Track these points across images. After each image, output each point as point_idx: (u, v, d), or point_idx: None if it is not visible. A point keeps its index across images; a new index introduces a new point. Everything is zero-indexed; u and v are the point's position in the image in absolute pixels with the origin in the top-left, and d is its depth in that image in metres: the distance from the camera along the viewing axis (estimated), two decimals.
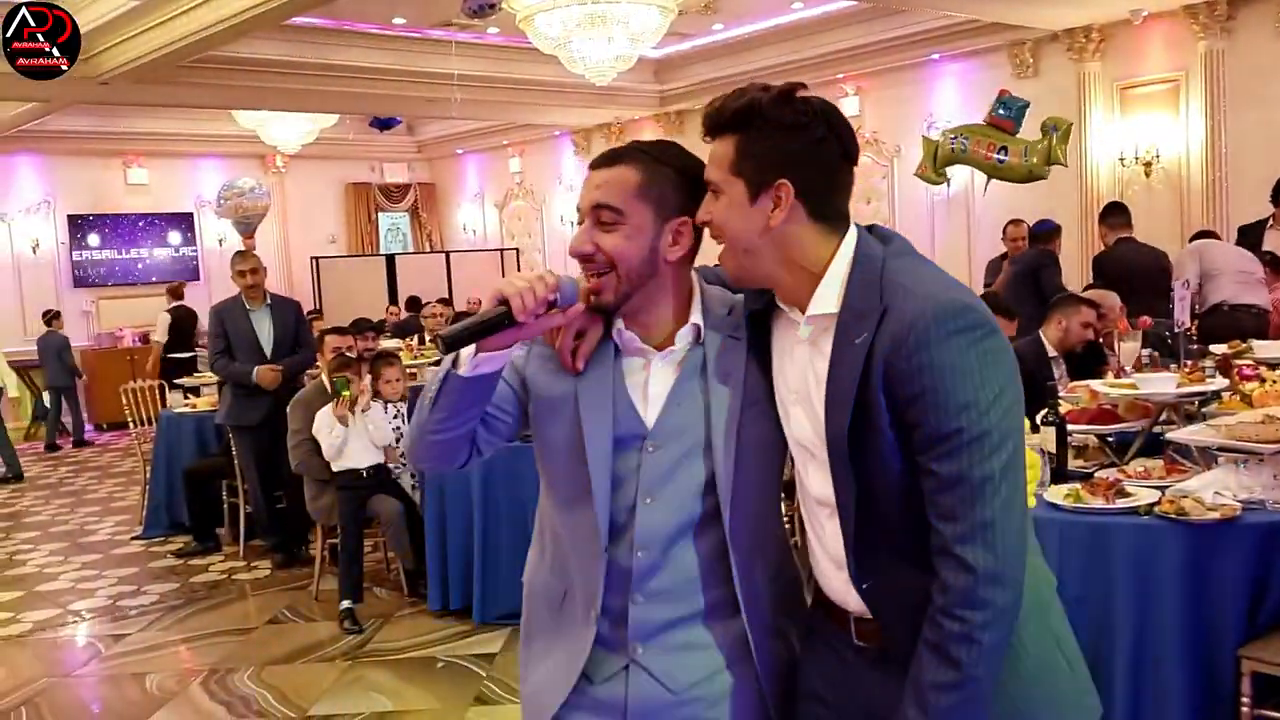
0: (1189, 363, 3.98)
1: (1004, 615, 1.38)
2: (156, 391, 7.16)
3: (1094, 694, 1.59)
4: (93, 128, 12.21)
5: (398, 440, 5.28)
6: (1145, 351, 4.38)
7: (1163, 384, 3.44)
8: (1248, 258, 6.43)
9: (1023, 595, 1.40)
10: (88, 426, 11.77)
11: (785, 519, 1.71)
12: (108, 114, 11.81)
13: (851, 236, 1.50)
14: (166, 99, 10.21)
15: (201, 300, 11.39)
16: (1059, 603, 1.59)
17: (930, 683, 1.39)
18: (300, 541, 6.08)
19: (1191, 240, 7.17)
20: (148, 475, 7.01)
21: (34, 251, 12.77)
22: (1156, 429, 3.53)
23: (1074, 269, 8.08)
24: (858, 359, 1.41)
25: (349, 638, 4.75)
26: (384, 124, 13.74)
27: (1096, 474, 3.13)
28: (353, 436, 4.98)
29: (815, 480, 1.53)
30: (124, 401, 7.12)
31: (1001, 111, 6.37)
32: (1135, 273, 6.26)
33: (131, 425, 7.17)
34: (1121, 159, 8.85)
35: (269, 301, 6.08)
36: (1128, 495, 2.89)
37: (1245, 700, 2.66)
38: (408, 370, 6.73)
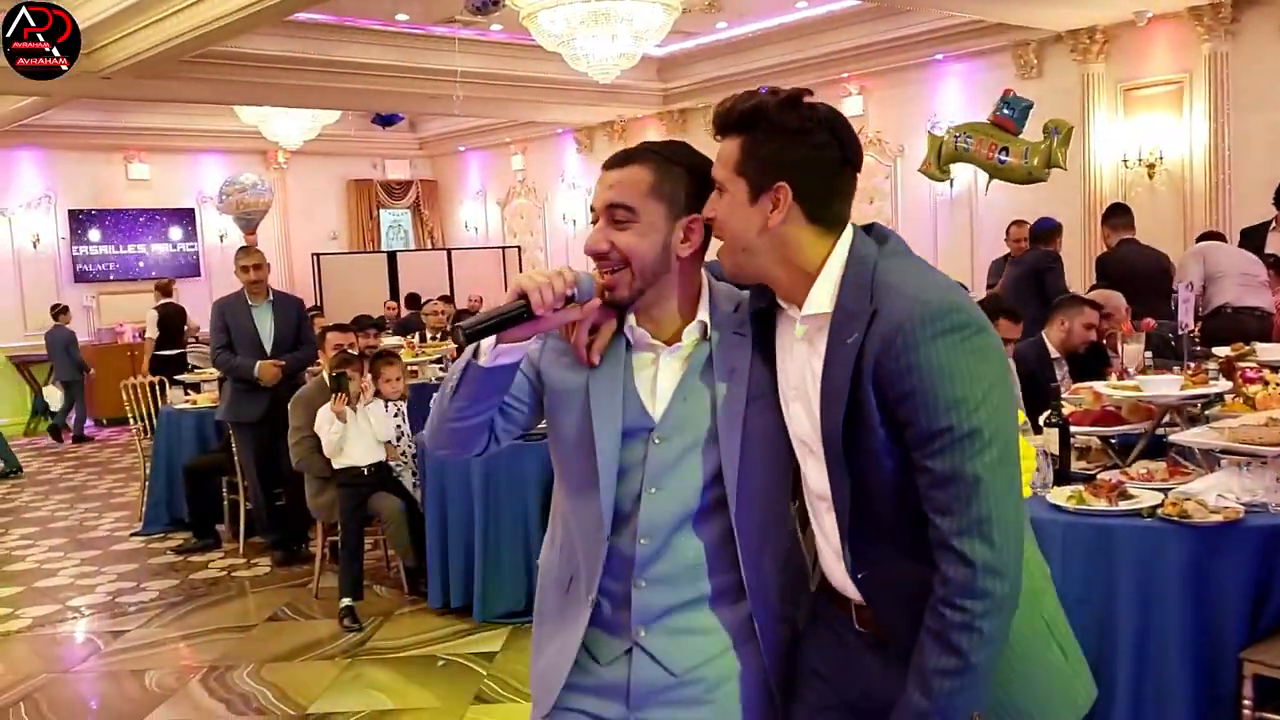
0: (1192, 365, 3.97)
1: (1003, 604, 1.42)
2: (147, 389, 7.15)
3: (1088, 679, 1.64)
4: (94, 122, 12.20)
5: (399, 437, 5.28)
6: (1147, 354, 4.38)
7: (1166, 386, 3.43)
8: (1252, 260, 6.42)
9: (1021, 584, 1.44)
10: (88, 422, 11.76)
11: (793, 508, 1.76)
12: (109, 109, 11.79)
13: (846, 237, 1.54)
14: (168, 94, 10.19)
15: (202, 296, 11.39)
16: (1053, 589, 1.64)
17: (933, 669, 1.43)
18: (300, 539, 6.07)
19: (1197, 241, 7.16)
20: (147, 471, 7.01)
21: (34, 246, 12.77)
22: (1160, 431, 3.52)
23: (1076, 270, 8.07)
24: (849, 358, 1.45)
25: (349, 635, 4.74)
26: (386, 120, 13.73)
27: (1099, 476, 3.12)
28: (353, 433, 4.98)
29: (813, 475, 1.58)
30: (124, 397, 7.11)
31: (1005, 111, 6.37)
32: (1138, 274, 6.25)
33: (131, 421, 7.17)
34: (1125, 160, 8.84)
35: (271, 298, 6.07)
36: (1130, 497, 2.89)
37: (1247, 703, 2.65)
38: (409, 368, 6.72)
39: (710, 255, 1.68)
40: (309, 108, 11.47)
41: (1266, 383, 3.57)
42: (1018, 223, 7.61)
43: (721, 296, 1.68)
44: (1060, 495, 2.95)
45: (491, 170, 15.31)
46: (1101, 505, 2.85)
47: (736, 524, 1.61)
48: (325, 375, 5.20)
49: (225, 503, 6.47)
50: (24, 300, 12.61)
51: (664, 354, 1.65)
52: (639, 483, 1.62)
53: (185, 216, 13.80)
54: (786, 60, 10.19)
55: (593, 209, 1.66)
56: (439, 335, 8.82)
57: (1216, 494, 2.79)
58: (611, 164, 1.65)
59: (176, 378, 7.99)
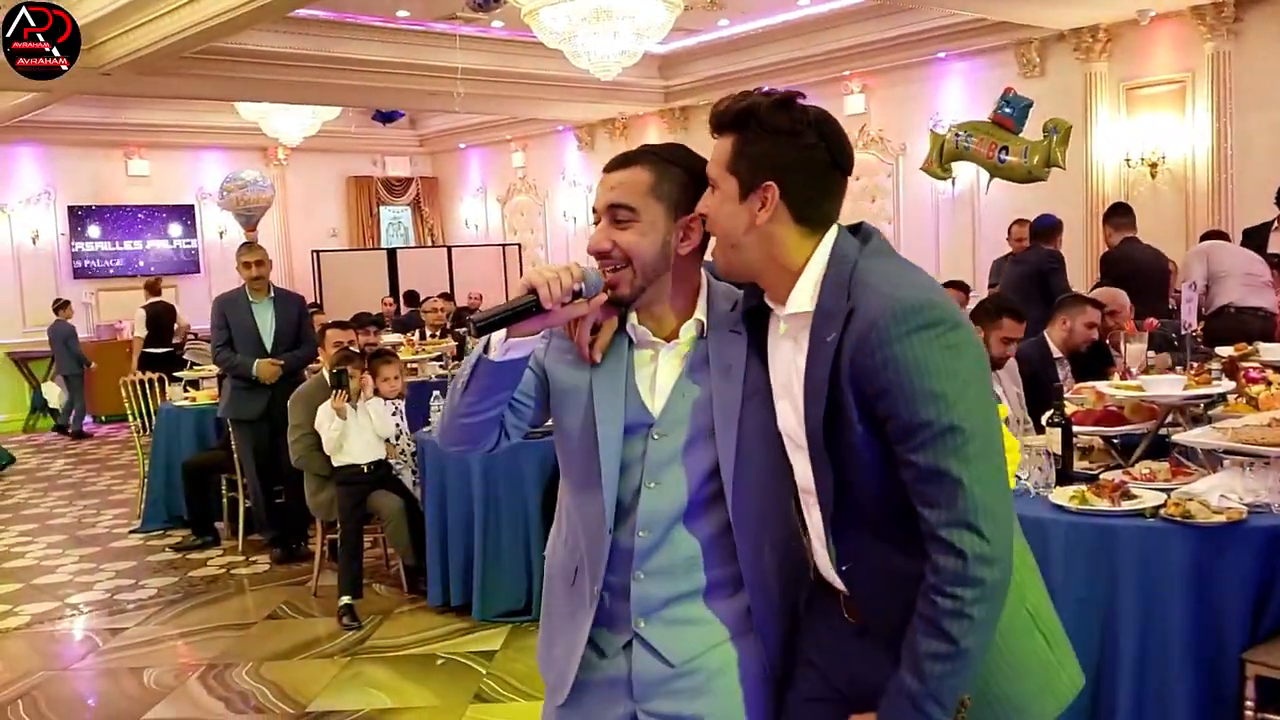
0: (1195, 365, 3.96)
1: (995, 591, 1.45)
2: (137, 386, 7.14)
3: (1074, 670, 1.66)
4: (94, 118, 12.17)
5: (398, 436, 5.27)
6: (1150, 354, 4.36)
7: (1169, 386, 3.42)
8: (1255, 260, 6.41)
9: (1012, 569, 1.47)
10: (86, 418, 11.75)
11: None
12: (109, 105, 11.78)
13: (830, 237, 1.58)
14: (168, 90, 10.17)
15: (202, 293, 11.38)
16: (1039, 580, 1.67)
17: (925, 652, 1.46)
18: (299, 536, 6.06)
19: (1200, 241, 7.15)
20: (146, 468, 7.00)
21: (34, 242, 12.76)
22: (1162, 431, 3.51)
23: (1078, 269, 8.06)
24: (829, 356, 1.49)
25: (348, 634, 4.73)
26: (386, 117, 13.71)
27: (1102, 476, 3.11)
28: (353, 431, 4.97)
29: (801, 470, 1.62)
30: (123, 394, 7.10)
31: (1005, 110, 6.37)
32: (1140, 272, 6.24)
33: (130, 418, 7.15)
34: (1127, 160, 8.82)
35: (272, 295, 6.06)
36: (1133, 497, 2.88)
37: (1249, 704, 2.64)
38: (408, 366, 6.71)
39: (710, 255, 1.70)
40: (309, 104, 11.46)
41: (1270, 383, 3.56)
42: (1020, 221, 7.60)
43: (719, 295, 1.73)
44: (1063, 495, 2.95)
45: (492, 167, 15.29)
46: (1104, 505, 2.85)
47: (734, 518, 1.65)
48: (325, 372, 5.19)
49: (224, 500, 6.47)
50: (23, 296, 12.61)
51: (662, 351, 1.70)
52: (639, 477, 1.67)
53: (185, 213, 13.79)
54: (788, 58, 10.18)
55: (595, 210, 1.72)
56: (438, 333, 8.81)
57: (1219, 494, 2.78)
58: (612, 166, 1.70)
59: (175, 374, 7.98)
